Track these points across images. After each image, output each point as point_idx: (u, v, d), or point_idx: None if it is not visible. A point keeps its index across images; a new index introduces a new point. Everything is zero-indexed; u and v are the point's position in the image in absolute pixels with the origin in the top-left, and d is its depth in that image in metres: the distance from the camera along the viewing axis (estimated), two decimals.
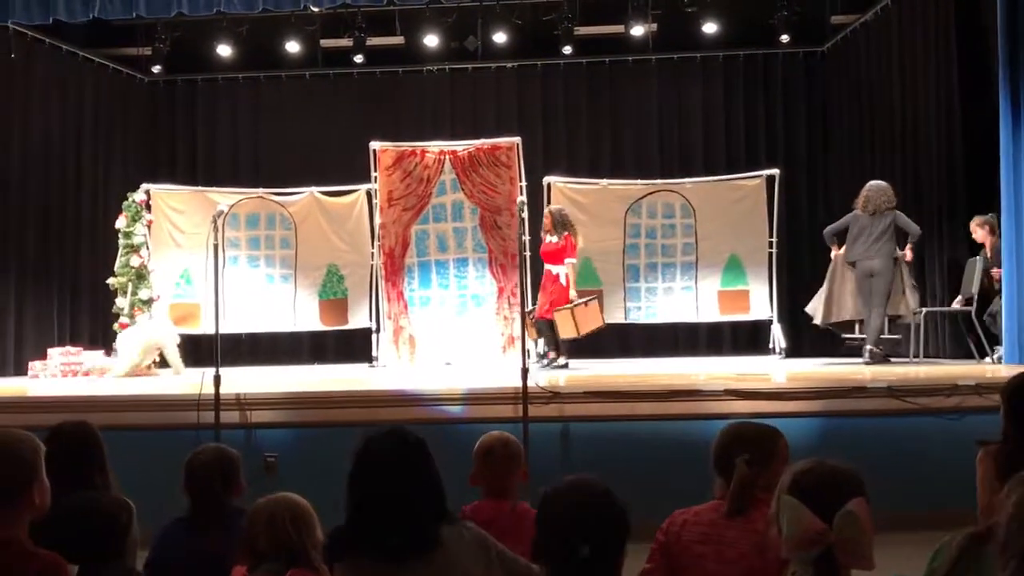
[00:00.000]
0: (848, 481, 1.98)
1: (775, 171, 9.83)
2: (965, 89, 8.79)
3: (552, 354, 8.88)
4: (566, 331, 8.63)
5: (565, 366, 8.69)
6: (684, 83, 11.49)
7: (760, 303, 9.78)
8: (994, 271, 8.04)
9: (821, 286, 8.62)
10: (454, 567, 2.54)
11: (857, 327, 8.51)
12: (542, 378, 6.58)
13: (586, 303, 8.76)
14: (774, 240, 9.77)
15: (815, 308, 8.61)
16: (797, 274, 10.95)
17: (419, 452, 2.65)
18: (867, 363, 7.98)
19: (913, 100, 9.46)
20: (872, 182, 8.40)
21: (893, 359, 8.31)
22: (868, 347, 8.10)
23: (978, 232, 8.23)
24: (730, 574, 2.72)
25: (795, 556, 1.91)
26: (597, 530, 2.24)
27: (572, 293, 8.81)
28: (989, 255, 8.15)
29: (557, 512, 2.31)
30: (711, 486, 2.98)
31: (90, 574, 2.63)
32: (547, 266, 8.94)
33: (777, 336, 9.60)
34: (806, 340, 10.74)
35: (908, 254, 8.14)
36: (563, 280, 8.82)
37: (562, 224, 8.95)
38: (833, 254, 8.46)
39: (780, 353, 9.49)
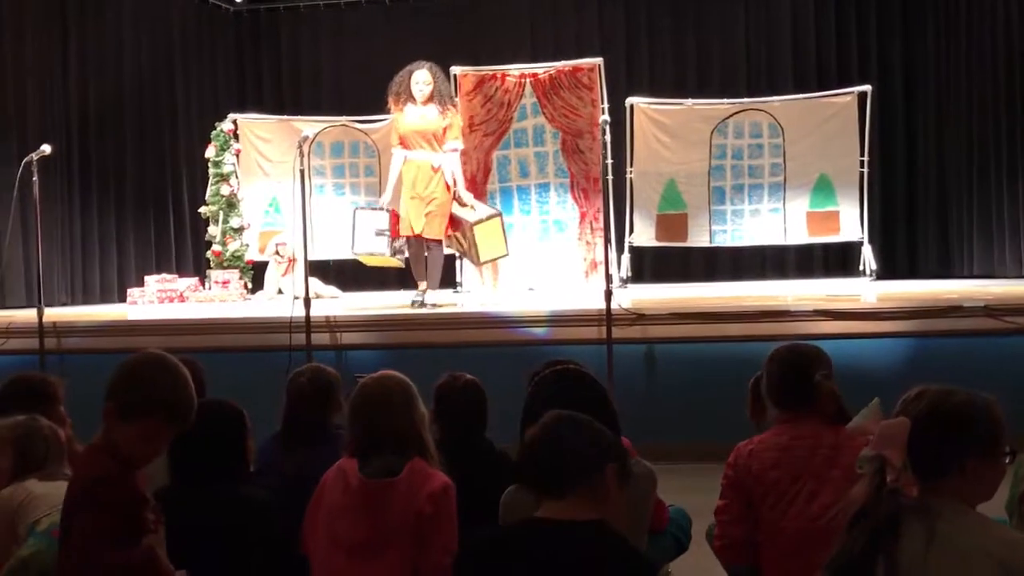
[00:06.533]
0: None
1: (867, 87, 9.48)
2: None
3: (423, 285, 7.00)
4: (483, 252, 7.05)
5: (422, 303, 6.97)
6: None
7: (850, 224, 9.51)
8: None
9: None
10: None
11: None
12: (625, 300, 6.57)
13: (488, 218, 7.15)
14: (866, 159, 9.46)
15: None
16: (890, 194, 10.63)
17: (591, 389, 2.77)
18: None
19: (1020, 10, 8.96)
20: None
21: None
22: None
23: None
24: (807, 491, 2.78)
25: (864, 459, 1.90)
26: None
27: (467, 197, 7.10)
28: None
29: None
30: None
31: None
32: (415, 155, 6.92)
33: (868, 257, 9.37)
34: (899, 261, 10.49)
35: None
36: (449, 176, 6.92)
37: (448, 95, 7.18)
38: None
39: (871, 275, 9.28)
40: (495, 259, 7.42)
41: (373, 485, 2.66)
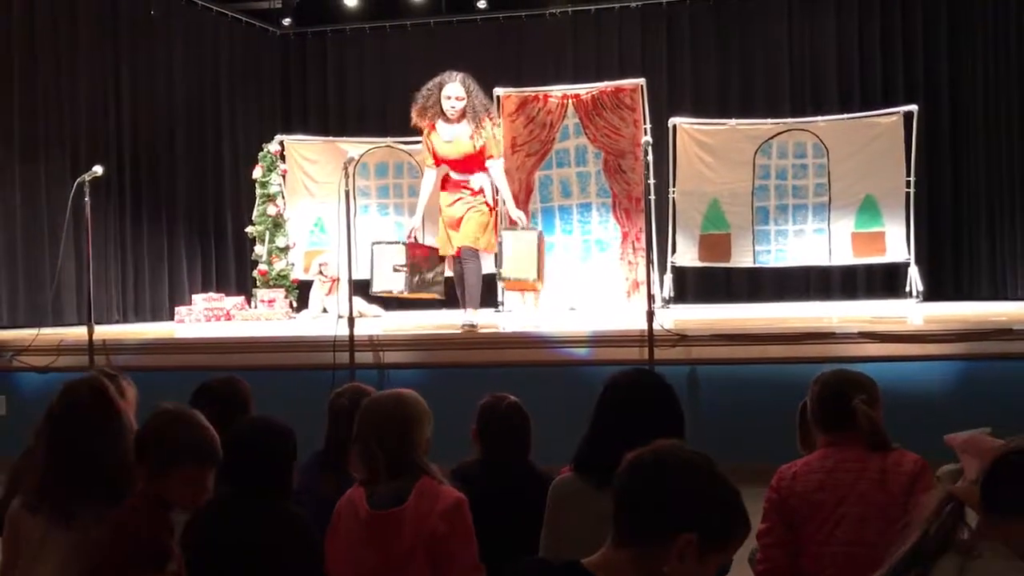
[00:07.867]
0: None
1: (913, 107, 9.38)
2: None
3: (470, 309, 6.48)
4: (507, 269, 6.53)
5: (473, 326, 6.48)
6: (817, 14, 11.03)
7: (897, 245, 9.40)
8: None
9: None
10: None
11: None
12: (668, 320, 6.54)
13: (524, 229, 6.78)
14: (912, 179, 9.36)
15: None
16: (938, 214, 10.49)
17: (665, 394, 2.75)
18: None
19: None
20: None
21: None
22: None
23: None
24: (853, 514, 2.74)
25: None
26: None
27: (516, 214, 6.68)
28: None
29: None
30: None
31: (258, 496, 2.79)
32: (452, 175, 6.55)
33: (915, 279, 9.24)
34: (946, 283, 10.34)
35: None
36: (489, 193, 6.51)
37: (484, 109, 6.48)
38: None
39: (917, 296, 9.15)
40: (518, 279, 6.68)
41: (382, 517, 2.65)
